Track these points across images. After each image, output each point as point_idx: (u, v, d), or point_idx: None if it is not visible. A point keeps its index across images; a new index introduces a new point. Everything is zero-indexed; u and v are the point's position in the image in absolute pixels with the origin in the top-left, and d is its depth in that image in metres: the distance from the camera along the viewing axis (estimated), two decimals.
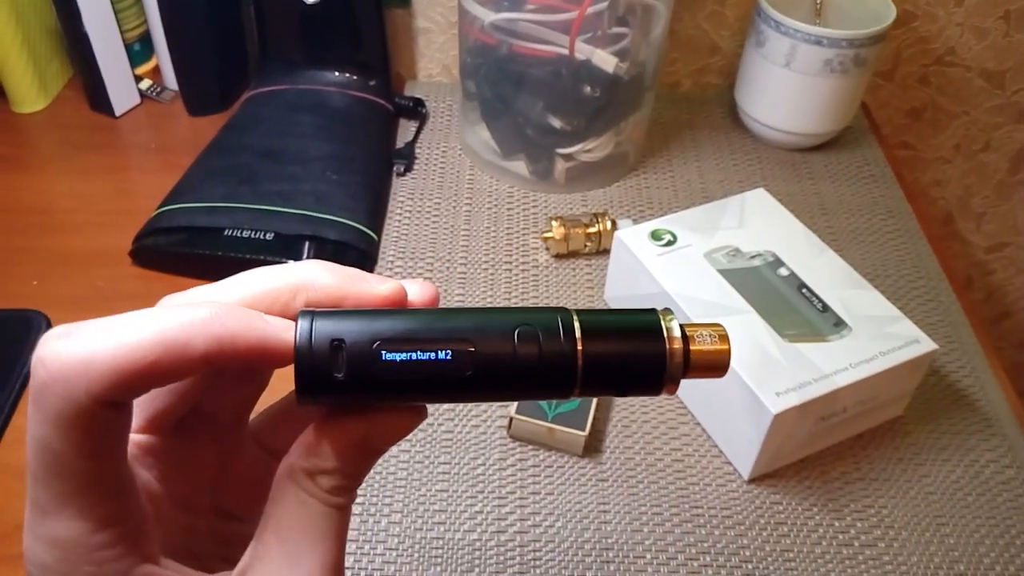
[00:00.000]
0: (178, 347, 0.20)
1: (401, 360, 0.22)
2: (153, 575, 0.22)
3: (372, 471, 0.42)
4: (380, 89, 0.76)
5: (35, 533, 0.21)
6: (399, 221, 0.68)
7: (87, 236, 0.66)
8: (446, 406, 0.54)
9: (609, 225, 0.64)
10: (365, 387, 0.22)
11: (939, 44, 0.83)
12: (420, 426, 0.32)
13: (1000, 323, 1.07)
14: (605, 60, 0.63)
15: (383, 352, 0.22)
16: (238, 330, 0.21)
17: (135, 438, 0.25)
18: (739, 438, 0.50)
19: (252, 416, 0.28)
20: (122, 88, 0.77)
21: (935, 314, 0.62)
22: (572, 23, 0.62)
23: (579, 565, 0.47)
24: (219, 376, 0.25)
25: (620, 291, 0.60)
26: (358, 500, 0.49)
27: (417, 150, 0.75)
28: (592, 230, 0.64)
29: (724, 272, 0.54)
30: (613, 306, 0.61)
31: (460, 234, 0.67)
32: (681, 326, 0.24)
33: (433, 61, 0.84)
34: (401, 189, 0.71)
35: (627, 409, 0.55)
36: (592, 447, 0.52)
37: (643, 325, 0.23)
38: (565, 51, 0.63)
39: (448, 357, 0.22)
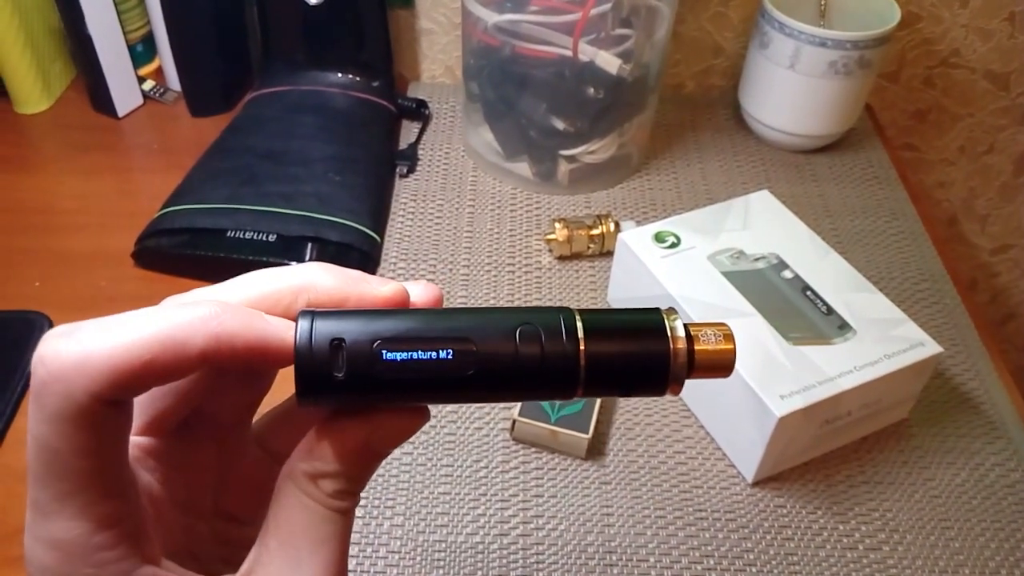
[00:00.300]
0: (176, 345, 0.20)
1: (402, 359, 0.21)
2: None
3: (375, 474, 0.42)
4: (383, 90, 0.76)
5: (36, 535, 0.21)
6: (402, 223, 0.68)
7: (89, 237, 0.66)
8: (448, 408, 0.54)
9: (612, 227, 0.64)
10: (366, 387, 0.22)
11: (944, 46, 0.83)
12: (422, 429, 0.31)
13: (1005, 325, 1.07)
14: (608, 62, 0.63)
15: (384, 351, 0.21)
16: (237, 329, 0.21)
17: (137, 440, 0.25)
18: (743, 441, 0.50)
19: (255, 419, 0.28)
20: (125, 89, 0.77)
21: (940, 317, 0.62)
22: (575, 25, 0.61)
23: (582, 568, 0.47)
24: (220, 376, 0.25)
25: (623, 293, 0.60)
26: (360, 503, 0.48)
27: (420, 151, 0.75)
28: (595, 232, 0.64)
29: (728, 274, 0.54)
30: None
31: (463, 236, 0.67)
32: (685, 325, 0.23)
33: (436, 62, 0.84)
34: (404, 191, 0.71)
35: (630, 412, 0.55)
36: (595, 450, 0.52)
37: (647, 324, 0.23)
38: (568, 53, 0.63)
39: (449, 356, 0.22)
